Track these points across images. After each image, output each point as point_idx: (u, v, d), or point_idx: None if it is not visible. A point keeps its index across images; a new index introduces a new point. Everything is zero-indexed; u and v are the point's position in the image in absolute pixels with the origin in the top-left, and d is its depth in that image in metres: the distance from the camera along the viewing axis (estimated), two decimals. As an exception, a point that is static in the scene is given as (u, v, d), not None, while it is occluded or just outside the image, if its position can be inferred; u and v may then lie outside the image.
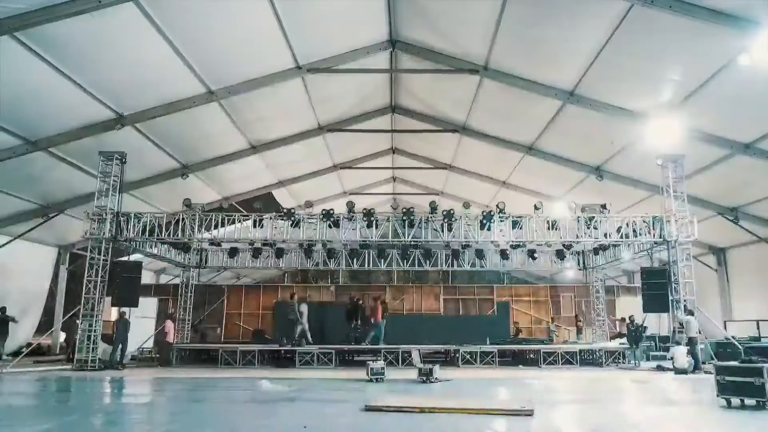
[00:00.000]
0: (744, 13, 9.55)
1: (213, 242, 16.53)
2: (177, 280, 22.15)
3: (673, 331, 15.36)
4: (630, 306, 21.06)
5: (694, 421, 7.93)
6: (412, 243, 16.59)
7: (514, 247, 17.86)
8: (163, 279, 25.87)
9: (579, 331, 21.78)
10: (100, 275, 14.61)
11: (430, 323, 20.98)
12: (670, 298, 15.34)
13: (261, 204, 20.08)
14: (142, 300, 21.55)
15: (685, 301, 14.99)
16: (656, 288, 15.78)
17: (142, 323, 18.72)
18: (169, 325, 17.28)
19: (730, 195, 16.43)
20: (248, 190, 20.85)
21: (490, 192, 21.53)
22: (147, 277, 24.31)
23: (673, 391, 11.56)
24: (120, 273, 15.10)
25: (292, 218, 15.66)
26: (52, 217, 16.60)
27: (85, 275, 14.64)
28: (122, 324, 15.98)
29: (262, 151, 17.91)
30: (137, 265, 16.12)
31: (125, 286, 15.12)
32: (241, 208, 19.32)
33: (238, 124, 16.02)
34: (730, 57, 10.64)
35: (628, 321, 17.77)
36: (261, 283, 30.52)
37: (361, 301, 19.21)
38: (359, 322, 18.12)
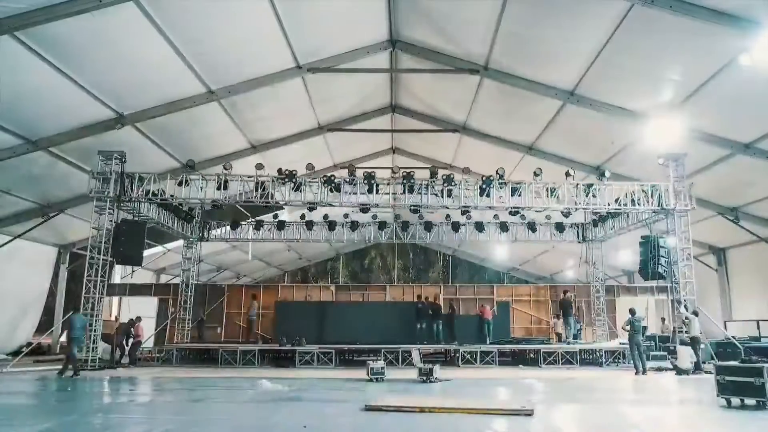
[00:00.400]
0: (744, 13, 9.55)
1: (216, 204, 16.46)
2: (177, 280, 22.14)
3: (673, 332, 15.31)
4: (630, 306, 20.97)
5: (694, 421, 7.94)
6: (412, 208, 16.63)
7: (513, 213, 17.79)
8: (163, 279, 25.88)
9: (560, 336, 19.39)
10: (100, 274, 14.62)
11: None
12: (665, 262, 15.41)
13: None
14: (142, 300, 21.75)
15: (685, 300, 14.99)
16: (654, 254, 15.78)
17: (142, 323, 18.70)
18: (139, 325, 17.31)
19: (731, 195, 16.42)
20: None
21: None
22: (147, 277, 24.34)
23: (673, 391, 11.56)
24: (125, 231, 14.96)
25: (294, 180, 15.62)
26: (52, 216, 16.60)
27: (85, 274, 14.62)
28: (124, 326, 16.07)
29: (263, 150, 17.87)
30: (141, 224, 15.99)
31: (129, 243, 14.99)
32: (242, 209, 19.26)
33: (239, 124, 16.01)
34: (730, 57, 10.63)
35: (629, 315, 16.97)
36: (261, 282, 30.59)
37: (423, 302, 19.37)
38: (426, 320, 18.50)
